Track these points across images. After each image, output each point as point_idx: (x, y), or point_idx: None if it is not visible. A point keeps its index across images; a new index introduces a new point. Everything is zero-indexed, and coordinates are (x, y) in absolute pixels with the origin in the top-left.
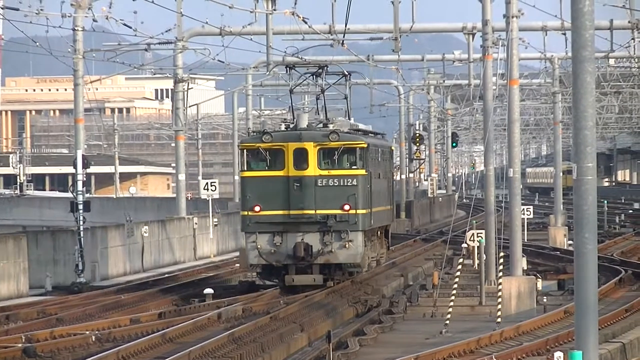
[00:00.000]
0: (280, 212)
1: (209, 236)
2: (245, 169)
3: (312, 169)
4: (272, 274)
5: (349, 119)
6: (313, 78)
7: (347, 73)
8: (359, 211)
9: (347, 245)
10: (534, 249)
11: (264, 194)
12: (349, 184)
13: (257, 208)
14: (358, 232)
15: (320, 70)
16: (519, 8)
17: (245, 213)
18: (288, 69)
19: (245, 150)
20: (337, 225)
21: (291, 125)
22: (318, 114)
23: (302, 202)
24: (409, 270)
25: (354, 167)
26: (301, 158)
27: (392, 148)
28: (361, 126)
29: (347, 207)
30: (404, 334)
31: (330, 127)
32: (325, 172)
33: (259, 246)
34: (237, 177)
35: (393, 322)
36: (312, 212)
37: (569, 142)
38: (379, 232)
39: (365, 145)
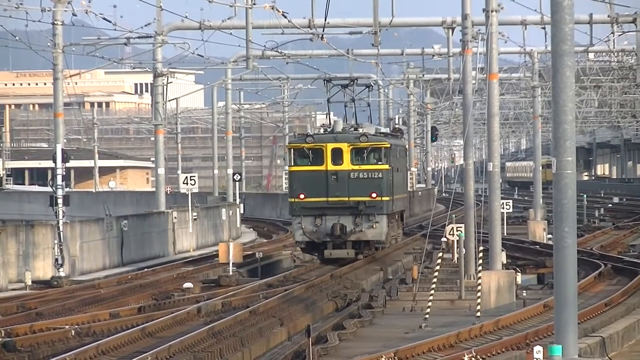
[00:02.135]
0: (321, 199)
1: (189, 230)
2: (292, 164)
3: (346, 164)
4: (313, 249)
5: (371, 122)
6: (343, 89)
7: (371, 84)
8: (383, 198)
9: (374, 226)
10: (513, 243)
11: (308, 184)
12: (375, 176)
13: (302, 196)
14: (383, 215)
15: (351, 83)
16: (498, 2)
17: (292, 200)
18: (325, 82)
19: (292, 149)
20: (366, 210)
21: (328, 129)
22: (347, 120)
23: (338, 191)
24: (388, 264)
25: (379, 162)
26: (337, 155)
27: (406, 147)
28: (382, 129)
29: (374, 194)
30: (384, 328)
31: (360, 130)
32: (356, 167)
33: (303, 227)
34: (216, 172)
35: (372, 317)
36: (346, 199)
37: (548, 136)
38: (397, 216)
39: (389, 145)
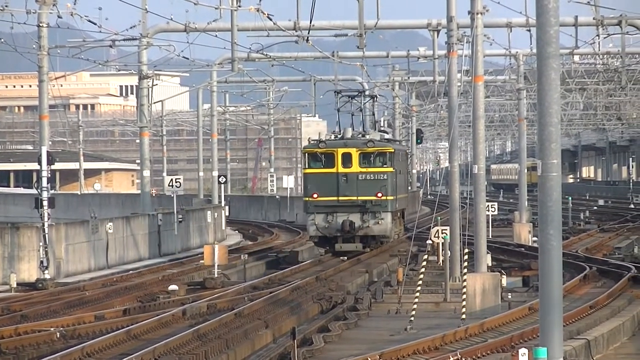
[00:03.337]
0: (332, 198)
1: (174, 232)
2: (307, 167)
3: (355, 167)
4: (325, 243)
5: (375, 129)
6: (350, 99)
7: (375, 95)
8: (388, 197)
9: (379, 222)
10: (498, 246)
11: (320, 185)
12: (381, 178)
13: (315, 195)
14: (388, 212)
15: (358, 94)
16: (483, 5)
17: (307, 199)
18: (335, 93)
19: (307, 154)
20: (373, 208)
21: (339, 136)
22: (354, 128)
23: (347, 190)
24: (373, 267)
25: (384, 166)
26: (347, 159)
27: (407, 151)
28: (386, 136)
29: (379, 194)
30: (369, 331)
31: (367, 137)
32: (364, 170)
33: (316, 223)
34: (201, 174)
35: (358, 319)
36: (355, 198)
37: (533, 139)
38: (399, 213)
39: (393, 150)
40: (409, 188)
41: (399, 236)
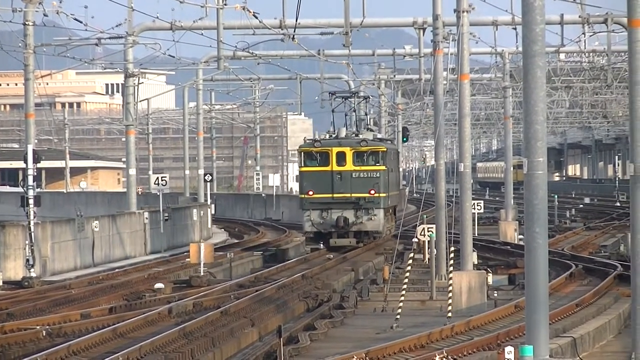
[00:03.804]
0: (327, 195)
1: (160, 231)
2: (303, 165)
3: (349, 166)
4: (320, 238)
5: (367, 129)
6: (344, 100)
7: (368, 96)
8: (380, 195)
9: (372, 218)
10: (484, 244)
11: (316, 182)
12: (374, 176)
13: (310, 192)
14: (380, 209)
15: (351, 95)
16: (469, 3)
17: (303, 196)
18: (330, 94)
19: (303, 153)
20: (366, 204)
21: (333, 136)
22: (348, 127)
23: (342, 188)
24: (359, 265)
25: (377, 164)
26: (341, 158)
27: (398, 150)
28: (379, 135)
29: (372, 191)
30: (355, 329)
31: (361, 136)
32: (357, 168)
33: (311, 219)
34: (187, 172)
35: (344, 317)
36: (349, 195)
37: (519, 137)
38: (391, 210)
39: (385, 150)
40: (399, 186)
41: (391, 232)
